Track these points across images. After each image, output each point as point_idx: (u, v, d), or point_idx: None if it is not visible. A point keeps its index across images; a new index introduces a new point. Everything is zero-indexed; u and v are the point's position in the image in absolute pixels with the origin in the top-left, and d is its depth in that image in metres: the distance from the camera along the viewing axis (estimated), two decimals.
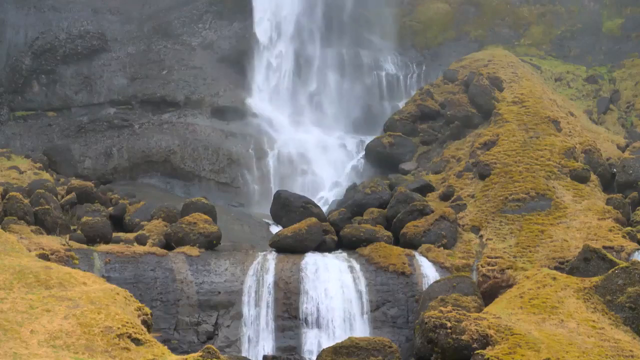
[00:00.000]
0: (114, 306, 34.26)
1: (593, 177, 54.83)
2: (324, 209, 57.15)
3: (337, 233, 50.72)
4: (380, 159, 63.76)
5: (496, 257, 48.02)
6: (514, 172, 54.01)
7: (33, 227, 46.57)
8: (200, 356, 31.92)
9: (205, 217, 49.14)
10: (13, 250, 40.07)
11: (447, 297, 43.80)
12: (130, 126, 68.05)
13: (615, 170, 56.08)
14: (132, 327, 32.93)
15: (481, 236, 50.46)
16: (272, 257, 47.35)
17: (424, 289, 46.01)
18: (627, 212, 51.86)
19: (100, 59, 70.54)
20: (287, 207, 53.22)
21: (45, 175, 59.00)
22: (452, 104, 64.15)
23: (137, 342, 32.46)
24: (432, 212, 51.15)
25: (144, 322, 35.43)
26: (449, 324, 37.31)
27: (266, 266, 46.61)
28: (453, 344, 36.87)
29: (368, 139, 66.83)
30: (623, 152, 60.17)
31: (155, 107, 69.57)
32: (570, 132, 58.96)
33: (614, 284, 40.46)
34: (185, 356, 32.80)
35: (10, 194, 48.13)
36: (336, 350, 38.60)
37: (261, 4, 74.71)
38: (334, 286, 45.98)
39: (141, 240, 47.78)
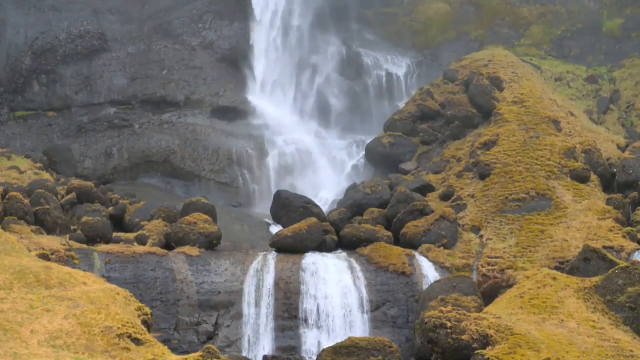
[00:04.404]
0: (114, 306, 34.26)
1: (593, 177, 54.81)
2: (324, 209, 57.13)
3: (337, 233, 50.71)
4: (380, 159, 63.77)
5: (496, 257, 48.01)
6: (514, 172, 54.00)
7: (33, 227, 46.56)
8: (200, 356, 31.92)
9: (205, 217, 49.13)
10: (13, 250, 40.06)
11: (447, 297, 43.79)
12: (130, 126, 68.06)
13: (615, 170, 56.05)
14: (132, 327, 32.93)
15: (481, 236, 50.46)
16: (272, 257, 47.35)
17: (424, 288, 45.99)
18: (627, 212, 51.84)
19: (100, 59, 70.55)
20: (287, 207, 53.19)
21: (45, 175, 59.02)
22: (452, 104, 64.14)
23: (137, 342, 32.46)
24: (432, 212, 51.15)
25: (144, 322, 35.43)
26: (449, 324, 37.30)
27: (266, 266, 46.60)
28: (453, 344, 36.86)
29: (368, 139, 66.84)
30: (623, 152, 60.14)
31: (155, 107, 69.58)
32: (570, 132, 58.94)
33: (614, 284, 40.45)
34: (185, 356, 32.80)
35: (10, 194, 48.11)
36: (336, 350, 38.59)
37: (261, 4, 74.73)
38: (334, 286, 45.98)
39: (141, 240, 47.77)
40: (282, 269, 46.44)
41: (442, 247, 49.15)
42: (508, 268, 47.12)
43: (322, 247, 49.30)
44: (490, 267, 47.46)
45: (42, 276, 35.76)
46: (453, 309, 38.63)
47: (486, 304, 43.61)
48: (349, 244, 49.75)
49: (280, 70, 74.04)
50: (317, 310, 45.32)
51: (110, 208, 52.92)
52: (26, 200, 48.32)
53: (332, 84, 74.07)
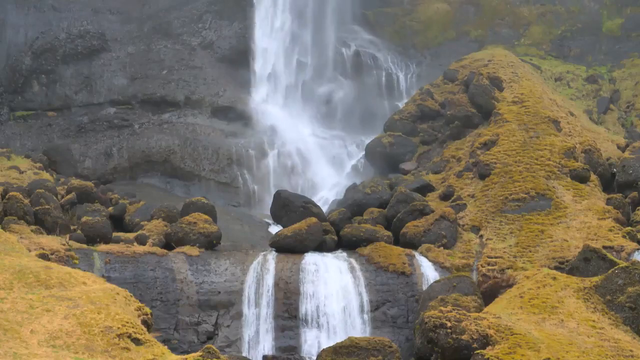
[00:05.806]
0: (114, 306, 34.26)
1: (593, 177, 54.80)
2: (324, 209, 57.13)
3: (337, 233, 50.71)
4: (380, 159, 63.73)
5: (496, 257, 48.00)
6: (514, 172, 53.99)
7: (33, 227, 46.56)
8: (200, 356, 31.93)
9: (205, 217, 49.13)
10: (13, 250, 40.07)
11: (447, 297, 43.79)
12: (130, 126, 68.08)
13: (615, 170, 56.02)
14: (132, 327, 32.93)
15: (481, 236, 50.46)
16: (272, 257, 47.35)
17: (424, 288, 45.99)
18: (627, 212, 51.83)
19: (100, 59, 70.59)
20: (287, 207, 53.18)
21: (45, 175, 59.03)
22: (452, 104, 64.13)
23: (137, 342, 32.46)
24: (432, 212, 51.15)
25: (144, 322, 35.43)
26: (449, 324, 37.29)
27: (266, 266, 46.61)
28: (453, 344, 36.86)
29: (368, 139, 66.82)
30: (623, 152, 60.11)
31: (155, 107, 69.62)
32: (570, 132, 58.95)
33: (614, 284, 40.46)
34: (185, 356, 32.80)
35: (10, 193, 48.11)
36: (336, 350, 38.59)
37: (261, 4, 74.76)
38: (334, 286, 45.97)
39: (141, 240, 47.78)
40: (282, 269, 46.45)
41: (442, 247, 49.14)
42: (508, 268, 47.11)
43: (322, 247, 49.29)
44: (490, 267, 47.45)
45: (42, 276, 35.77)
46: (453, 309, 38.62)
47: (486, 304, 43.61)
48: (349, 244, 49.74)
49: (280, 71, 74.04)
50: (317, 310, 45.33)
51: (110, 208, 52.93)
52: (26, 200, 48.32)
53: (332, 84, 74.07)
